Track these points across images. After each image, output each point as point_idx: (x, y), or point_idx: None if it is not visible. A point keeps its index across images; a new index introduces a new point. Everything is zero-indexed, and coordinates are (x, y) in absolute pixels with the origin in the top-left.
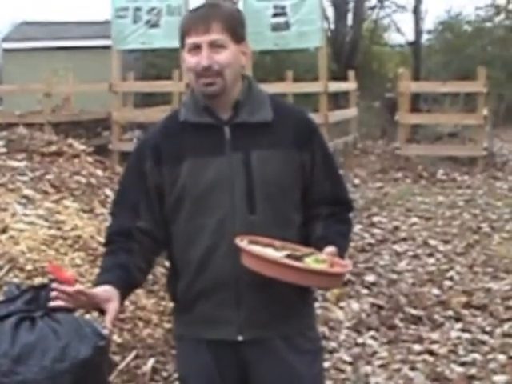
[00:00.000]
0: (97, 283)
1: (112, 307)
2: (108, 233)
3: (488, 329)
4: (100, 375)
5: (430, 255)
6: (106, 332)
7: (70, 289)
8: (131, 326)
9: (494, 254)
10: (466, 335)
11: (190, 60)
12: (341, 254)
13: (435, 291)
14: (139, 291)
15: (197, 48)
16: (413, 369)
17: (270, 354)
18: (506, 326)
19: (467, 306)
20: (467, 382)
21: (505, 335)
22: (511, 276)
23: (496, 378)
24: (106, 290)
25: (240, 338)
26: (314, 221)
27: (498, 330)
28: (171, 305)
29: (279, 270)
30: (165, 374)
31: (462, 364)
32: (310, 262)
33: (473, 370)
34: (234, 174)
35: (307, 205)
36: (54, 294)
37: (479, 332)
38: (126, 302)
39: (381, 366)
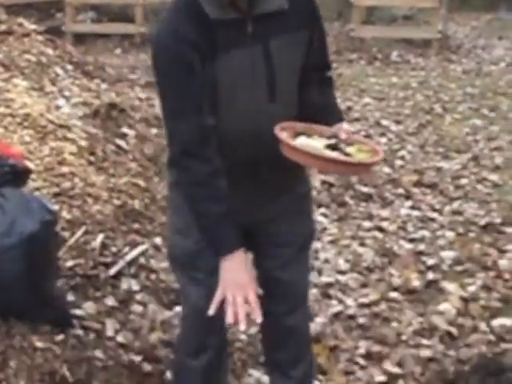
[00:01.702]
0: (229, 247)
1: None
2: (183, 140)
3: (437, 207)
4: (48, 250)
5: (382, 135)
6: (53, 207)
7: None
8: (80, 202)
9: (445, 134)
10: (416, 213)
11: None
12: None
13: (386, 170)
14: (89, 168)
15: None
16: (362, 245)
17: (280, 215)
18: (455, 204)
19: (418, 184)
20: (415, 258)
21: (454, 213)
22: (462, 155)
23: (443, 253)
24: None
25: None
26: (307, 87)
27: (448, 208)
28: (121, 181)
29: (325, 165)
30: (114, 249)
31: (411, 240)
32: (355, 153)
33: (421, 247)
34: (256, 65)
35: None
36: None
37: (429, 210)
38: (76, 179)
39: (331, 242)
